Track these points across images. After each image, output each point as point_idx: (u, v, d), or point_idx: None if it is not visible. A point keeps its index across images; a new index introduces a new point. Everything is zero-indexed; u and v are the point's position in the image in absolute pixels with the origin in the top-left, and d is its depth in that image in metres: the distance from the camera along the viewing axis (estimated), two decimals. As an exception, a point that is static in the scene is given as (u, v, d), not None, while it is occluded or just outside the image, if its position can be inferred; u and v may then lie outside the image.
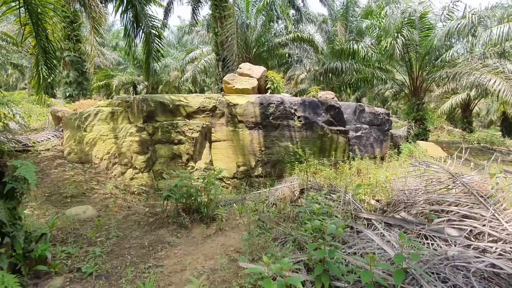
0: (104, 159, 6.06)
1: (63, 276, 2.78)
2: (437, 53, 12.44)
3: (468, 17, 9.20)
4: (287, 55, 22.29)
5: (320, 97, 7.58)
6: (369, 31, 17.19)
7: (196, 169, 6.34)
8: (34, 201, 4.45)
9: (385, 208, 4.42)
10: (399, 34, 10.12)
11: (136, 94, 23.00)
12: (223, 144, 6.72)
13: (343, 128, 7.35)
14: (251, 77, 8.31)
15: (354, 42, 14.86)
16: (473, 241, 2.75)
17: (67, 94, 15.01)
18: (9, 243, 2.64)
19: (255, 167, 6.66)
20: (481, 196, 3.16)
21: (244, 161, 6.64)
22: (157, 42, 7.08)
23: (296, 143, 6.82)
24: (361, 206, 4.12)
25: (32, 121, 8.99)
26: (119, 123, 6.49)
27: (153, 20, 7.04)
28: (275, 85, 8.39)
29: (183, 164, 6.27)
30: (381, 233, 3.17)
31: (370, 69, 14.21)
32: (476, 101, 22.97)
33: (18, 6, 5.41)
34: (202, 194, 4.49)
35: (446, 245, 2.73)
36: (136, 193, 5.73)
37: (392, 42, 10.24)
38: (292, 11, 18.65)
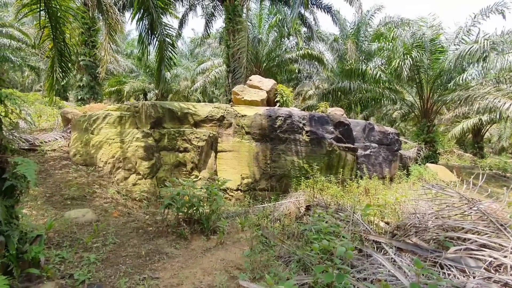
0: (109, 163, 6.00)
1: (55, 282, 2.64)
2: (449, 76, 12.36)
3: (480, 42, 9.15)
4: (297, 70, 22.55)
5: (329, 113, 7.49)
6: (379, 53, 17.32)
7: (200, 178, 6.23)
8: (34, 201, 4.37)
9: (394, 232, 4.21)
10: (407, 56, 10.10)
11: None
12: (229, 155, 6.63)
13: (351, 146, 7.21)
14: (261, 89, 8.30)
15: (363, 62, 14.94)
16: (493, 274, 2.54)
17: (79, 97, 15.28)
18: (3, 242, 2.54)
19: (259, 180, 6.51)
20: (501, 225, 2.96)
21: (249, 173, 6.51)
22: (170, 50, 7.17)
23: (303, 158, 6.68)
24: (370, 228, 3.92)
25: (42, 121, 9.08)
26: (127, 128, 6.48)
27: (167, 28, 7.17)
28: (284, 98, 8.36)
29: (187, 172, 6.17)
30: (392, 258, 2.97)
31: (379, 89, 14.19)
32: (488, 127, 22.60)
33: (39, 9, 5.58)
34: (205, 204, 4.36)
35: (464, 277, 2.52)
36: (137, 199, 5.63)
37: (400, 63, 10.22)
38: (304, 29, 18.99)
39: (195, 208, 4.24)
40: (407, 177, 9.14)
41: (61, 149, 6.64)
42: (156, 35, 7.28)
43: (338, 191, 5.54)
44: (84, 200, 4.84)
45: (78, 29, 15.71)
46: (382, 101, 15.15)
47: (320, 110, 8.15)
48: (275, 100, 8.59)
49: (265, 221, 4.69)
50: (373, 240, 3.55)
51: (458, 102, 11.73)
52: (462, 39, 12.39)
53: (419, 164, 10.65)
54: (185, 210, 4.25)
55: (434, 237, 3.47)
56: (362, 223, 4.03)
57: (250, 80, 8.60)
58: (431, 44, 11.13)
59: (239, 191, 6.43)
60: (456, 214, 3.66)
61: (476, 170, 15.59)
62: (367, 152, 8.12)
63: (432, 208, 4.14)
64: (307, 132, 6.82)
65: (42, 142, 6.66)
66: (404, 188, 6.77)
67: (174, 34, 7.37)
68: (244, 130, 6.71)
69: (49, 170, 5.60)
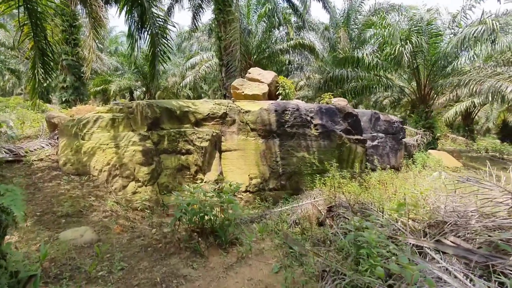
0: (104, 171, 5.46)
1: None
2: (446, 60, 12.17)
3: (489, 23, 8.85)
4: (287, 62, 22.09)
5: (337, 104, 7.11)
6: (372, 40, 17.03)
7: (206, 181, 5.77)
8: (23, 221, 3.82)
9: (426, 230, 3.90)
10: (407, 41, 9.78)
11: (132, 100, 22.41)
12: (234, 154, 6.18)
13: (361, 137, 6.87)
14: (261, 82, 7.83)
15: (358, 50, 14.61)
16: None
17: (63, 99, 14.42)
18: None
19: (269, 180, 6.11)
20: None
21: (257, 173, 6.09)
22: (163, 43, 6.59)
23: (313, 153, 6.30)
24: (403, 229, 3.58)
25: (26, 128, 8.35)
26: (121, 131, 5.92)
27: (159, 20, 6.57)
28: (286, 91, 7.92)
29: (191, 176, 5.69)
30: (444, 267, 2.63)
31: (376, 76, 13.93)
32: (478, 109, 22.87)
33: (17, 5, 4.92)
34: (219, 213, 3.93)
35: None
36: (139, 209, 5.13)
37: (400, 49, 9.90)
38: (294, 18, 18.49)
39: (208, 217, 3.80)
40: (414, 165, 8.94)
41: (49, 158, 6.04)
42: (147, 28, 6.67)
43: (356, 188, 5.20)
44: (80, 216, 4.32)
45: (60, 26, 14.74)
46: (377, 88, 14.91)
47: (324, 101, 7.76)
48: (277, 93, 8.14)
49: (284, 226, 4.30)
50: (413, 244, 3.22)
51: (457, 86, 11.55)
52: (459, 23, 12.20)
53: (422, 151, 10.47)
54: (197, 221, 3.81)
55: (484, 239, 3.15)
56: (393, 224, 3.69)
57: (250, 73, 8.10)
58: (429, 28, 10.85)
59: (247, 193, 6.01)
60: (499, 211, 3.36)
61: (472, 153, 15.69)
62: (375, 142, 7.82)
63: (469, 203, 3.83)
64: (315, 125, 6.43)
65: (27, 152, 6.03)
66: (421, 179, 6.50)
67: (167, 25, 6.76)
68: (249, 127, 6.26)
69: (38, 183, 5.02)
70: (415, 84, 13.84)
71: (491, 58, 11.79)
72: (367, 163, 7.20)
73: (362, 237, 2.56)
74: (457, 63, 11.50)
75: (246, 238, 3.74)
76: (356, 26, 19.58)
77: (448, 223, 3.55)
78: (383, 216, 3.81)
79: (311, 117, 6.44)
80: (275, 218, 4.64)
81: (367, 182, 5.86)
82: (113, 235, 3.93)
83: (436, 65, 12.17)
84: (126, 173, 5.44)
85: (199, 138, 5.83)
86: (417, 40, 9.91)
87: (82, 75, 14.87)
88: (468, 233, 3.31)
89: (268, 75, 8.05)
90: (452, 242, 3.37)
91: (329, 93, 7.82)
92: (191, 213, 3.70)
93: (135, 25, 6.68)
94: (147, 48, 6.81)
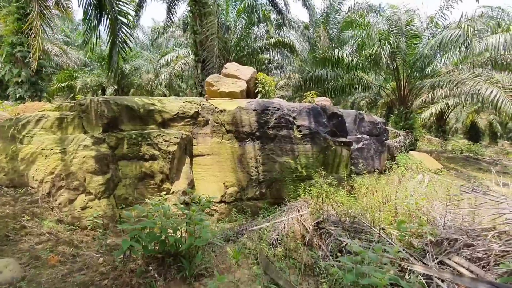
0: (46, 182, 4.48)
1: None
2: (425, 61, 12.15)
3: (464, 27, 8.75)
4: (267, 61, 21.56)
5: (320, 103, 6.56)
6: (351, 40, 16.94)
7: (173, 192, 4.96)
8: None
9: (425, 248, 3.39)
10: (386, 42, 9.52)
11: (103, 98, 20.72)
12: (208, 160, 5.42)
13: (346, 140, 6.36)
14: (239, 78, 7.11)
15: (338, 50, 14.37)
16: None
17: (17, 95, 12.85)
18: None
19: (247, 188, 5.41)
20: None
21: (234, 180, 5.37)
22: (124, 31, 5.70)
23: (296, 157, 5.69)
24: (405, 251, 3.03)
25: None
26: (70, 133, 4.96)
27: (121, 4, 5.68)
28: (266, 88, 7.26)
29: (156, 186, 4.86)
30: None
31: (356, 77, 13.73)
32: (450, 110, 23.66)
33: None
34: (184, 236, 3.17)
35: None
36: (89, 228, 4.23)
37: (379, 49, 9.62)
38: (273, 16, 18.01)
39: (170, 244, 3.04)
40: (397, 167, 8.65)
41: (-22, 166, 4.93)
42: (107, 12, 5.75)
43: (345, 197, 4.63)
44: (6, 243, 3.37)
45: (13, 15, 13.14)
46: (357, 88, 14.74)
47: (307, 101, 7.20)
48: (255, 91, 7.46)
49: (264, 247, 3.63)
50: (418, 273, 2.66)
51: (436, 87, 11.53)
52: (436, 23, 12.21)
53: (404, 153, 10.28)
54: (156, 249, 3.03)
55: (493, 259, 2.66)
56: (392, 243, 3.13)
57: (226, 68, 7.34)
58: (407, 29, 10.69)
59: (223, 204, 5.27)
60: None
61: (448, 154, 15.98)
62: (360, 145, 7.39)
63: (468, 216, 3.37)
64: (298, 127, 5.82)
65: None
66: (407, 182, 6.11)
67: (129, 11, 5.88)
68: (224, 128, 5.52)
69: (-46, 199, 3.98)
70: (395, 85, 13.80)
71: (467, 59, 11.87)
72: (351, 167, 6.72)
73: (366, 279, 1.94)
74: (435, 64, 11.46)
75: (217, 265, 3.02)
76: (335, 26, 19.48)
77: (450, 239, 3.05)
78: (379, 233, 3.24)
79: (294, 118, 5.83)
80: (254, 236, 3.95)
81: (355, 190, 5.34)
82: (46, 268, 3.04)
83: (415, 66, 12.10)
84: (74, 184, 4.50)
85: (165, 141, 5.00)
86: (396, 41, 9.67)
87: (40, 69, 13.36)
88: (473, 252, 2.82)
89: (246, 71, 7.35)
90: (456, 263, 2.87)
91: (312, 92, 7.27)
92: (147, 239, 2.91)
93: (93, 7, 5.74)
94: (106, 35, 5.89)
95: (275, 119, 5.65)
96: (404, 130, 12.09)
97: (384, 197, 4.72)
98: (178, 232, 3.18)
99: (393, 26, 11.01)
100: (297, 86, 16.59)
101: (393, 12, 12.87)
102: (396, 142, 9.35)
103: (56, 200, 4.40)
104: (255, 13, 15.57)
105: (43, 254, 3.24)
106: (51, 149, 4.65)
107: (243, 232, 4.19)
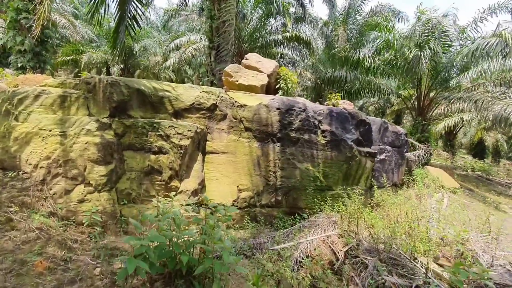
0: (41, 167, 3.95)
1: None
2: (451, 72, 11.54)
3: (504, 35, 8.13)
4: (279, 55, 20.89)
5: (348, 108, 6.00)
6: (371, 43, 16.32)
7: (181, 191, 4.45)
8: None
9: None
10: (426, 46, 8.90)
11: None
12: (222, 158, 4.89)
13: (372, 151, 5.84)
14: (260, 71, 6.55)
15: (358, 50, 13.74)
16: None
17: (19, 65, 12.19)
18: None
19: (262, 194, 4.90)
20: None
21: (249, 184, 4.86)
22: (135, 5, 5.07)
23: (318, 165, 5.17)
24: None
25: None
26: (72, 114, 4.41)
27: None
28: (288, 85, 6.69)
29: (164, 183, 4.34)
30: None
31: (373, 80, 13.15)
32: (461, 125, 23.09)
33: None
34: (199, 254, 2.67)
35: None
36: (85, 224, 3.73)
37: (418, 53, 8.99)
38: (292, 9, 17.32)
39: (181, 262, 2.53)
40: (414, 182, 8.17)
41: (-34, 141, 4.39)
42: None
43: (375, 217, 4.13)
44: (-14, 237, 2.87)
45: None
46: (376, 93, 14.15)
47: (330, 103, 6.63)
48: (276, 86, 6.89)
49: (285, 269, 3.13)
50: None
51: (462, 101, 10.93)
52: (468, 34, 11.56)
53: (420, 168, 9.78)
54: (164, 267, 2.53)
55: None
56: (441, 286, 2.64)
57: (247, 59, 6.76)
58: (443, 35, 10.06)
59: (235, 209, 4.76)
60: None
61: (459, 171, 15.48)
62: (382, 156, 6.87)
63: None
64: (323, 132, 5.28)
65: None
66: (426, 202, 5.62)
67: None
68: (243, 125, 4.98)
69: None
70: (414, 94, 13.21)
71: (494, 74, 11.26)
72: (372, 179, 6.22)
73: None
74: (463, 76, 10.84)
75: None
76: (354, 26, 18.81)
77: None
78: (426, 273, 2.75)
79: (319, 121, 5.28)
80: (271, 253, 3.46)
81: (383, 208, 4.85)
82: (31, 277, 2.54)
83: (440, 76, 11.50)
84: (72, 173, 3.98)
85: (178, 133, 4.47)
86: (435, 46, 9.04)
87: (45, 39, 12.69)
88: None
89: (268, 64, 6.77)
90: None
91: (337, 93, 6.69)
92: (155, 255, 2.41)
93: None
94: (114, 9, 5.25)
95: (300, 121, 5.11)
96: (424, 144, 11.52)
97: (413, 219, 4.22)
98: (191, 251, 2.68)
99: (430, 31, 10.22)
100: (312, 86, 16.00)
101: (432, 15, 12.17)
102: (414, 155, 8.82)
103: (50, 189, 3.88)
104: (274, 4, 14.90)
105: (30, 258, 2.74)
106: (50, 131, 4.10)
107: (259, 245, 3.70)
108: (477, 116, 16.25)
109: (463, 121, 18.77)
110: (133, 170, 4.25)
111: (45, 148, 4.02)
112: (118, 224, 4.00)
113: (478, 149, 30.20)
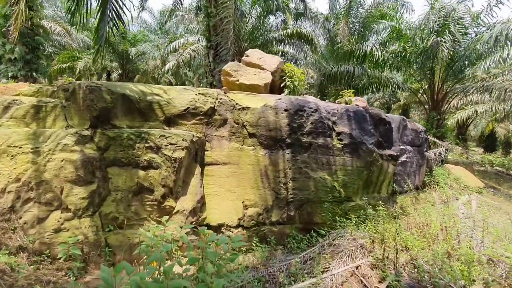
0: (9, 192, 3.33)
1: None
2: (466, 62, 10.74)
3: None
4: (280, 53, 20.23)
5: (366, 106, 5.30)
6: (380, 34, 15.59)
7: (177, 211, 3.80)
8: None
9: None
10: (446, 30, 8.11)
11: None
12: (224, 170, 4.23)
13: (394, 153, 5.14)
14: (263, 69, 5.88)
15: (365, 43, 13.00)
16: None
17: (10, 74, 11.67)
18: None
19: (271, 209, 4.23)
20: None
21: (256, 199, 4.19)
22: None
23: (335, 173, 4.48)
24: None
25: None
26: (48, 126, 3.79)
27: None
28: (295, 83, 6.02)
29: (156, 203, 3.69)
30: None
31: (386, 73, 12.42)
32: (474, 118, 22.16)
33: None
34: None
35: None
36: (62, 260, 3.10)
37: (437, 38, 8.20)
38: (292, 4, 16.69)
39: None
40: (437, 185, 7.44)
41: None
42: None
43: (410, 237, 3.42)
44: None
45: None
46: (386, 88, 13.39)
47: (343, 101, 5.94)
48: (281, 85, 6.22)
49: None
50: None
51: (473, 92, 10.14)
52: (482, 20, 10.76)
53: (440, 166, 9.01)
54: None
55: None
56: None
57: (247, 56, 6.10)
58: (459, 23, 9.29)
59: (240, 229, 4.10)
60: None
61: (477, 167, 14.60)
62: (404, 158, 6.16)
63: None
64: (338, 134, 4.59)
65: None
66: (452, 205, 4.90)
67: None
68: (246, 131, 4.32)
69: None
70: (426, 87, 12.43)
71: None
72: (393, 184, 5.52)
73: None
74: (480, 65, 10.06)
75: None
76: (357, 20, 18.12)
77: None
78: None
79: (334, 122, 4.60)
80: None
81: (410, 217, 4.15)
82: None
83: (454, 66, 10.70)
84: (46, 197, 3.35)
85: (171, 144, 3.82)
86: (455, 31, 8.28)
87: (37, 46, 12.17)
88: None
89: (271, 61, 6.11)
90: None
91: (350, 90, 5.99)
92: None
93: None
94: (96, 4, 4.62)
95: (311, 123, 4.43)
96: (441, 140, 10.73)
97: (453, 233, 3.52)
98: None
99: (448, 17, 9.40)
100: (315, 84, 15.31)
101: (444, 2, 11.39)
102: (435, 154, 8.07)
103: (20, 218, 3.26)
104: (273, 0, 14.33)
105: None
106: (20, 147, 3.48)
107: (272, 278, 3.03)
108: (493, 107, 15.43)
109: (476, 113, 17.90)
110: (119, 190, 3.61)
111: (14, 168, 3.40)
112: (102, 256, 3.37)
113: (489, 141, 29.15)
